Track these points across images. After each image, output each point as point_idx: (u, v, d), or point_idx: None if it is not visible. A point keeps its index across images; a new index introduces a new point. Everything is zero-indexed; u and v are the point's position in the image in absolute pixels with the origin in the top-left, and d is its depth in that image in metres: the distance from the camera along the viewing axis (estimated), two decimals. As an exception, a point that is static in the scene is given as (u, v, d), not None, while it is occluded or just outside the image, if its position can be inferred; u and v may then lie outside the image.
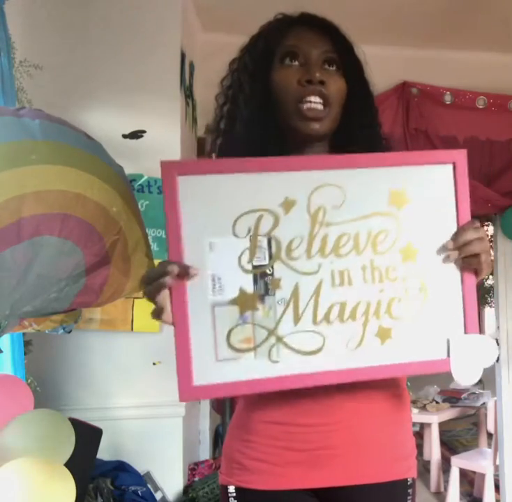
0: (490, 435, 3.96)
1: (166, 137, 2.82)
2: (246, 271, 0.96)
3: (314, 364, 0.98)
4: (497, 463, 3.56)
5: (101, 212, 1.38)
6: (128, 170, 1.74)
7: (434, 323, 1.02)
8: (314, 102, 1.09)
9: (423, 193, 1.01)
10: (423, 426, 4.59)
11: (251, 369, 0.96)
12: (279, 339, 0.97)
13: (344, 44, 1.15)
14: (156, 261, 1.72)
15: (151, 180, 2.77)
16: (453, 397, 4.63)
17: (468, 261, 1.00)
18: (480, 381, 6.05)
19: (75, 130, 1.48)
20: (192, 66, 3.20)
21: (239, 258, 0.96)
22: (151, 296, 0.95)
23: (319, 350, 0.98)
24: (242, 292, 0.96)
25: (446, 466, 4.07)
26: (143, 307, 2.74)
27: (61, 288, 1.38)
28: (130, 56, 2.79)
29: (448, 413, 4.39)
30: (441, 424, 4.31)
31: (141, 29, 2.80)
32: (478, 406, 4.51)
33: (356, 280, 0.99)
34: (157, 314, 0.95)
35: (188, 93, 3.12)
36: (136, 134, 2.81)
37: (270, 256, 0.97)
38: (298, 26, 1.15)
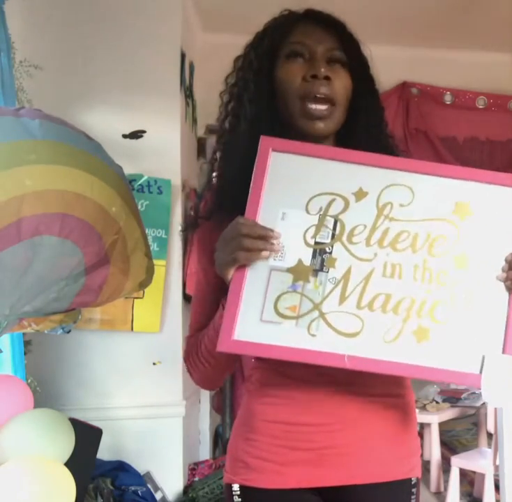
0: (490, 435, 3.95)
1: (166, 137, 2.83)
2: (308, 245, 1.02)
3: (348, 347, 1.00)
4: (497, 463, 3.56)
5: (100, 212, 1.38)
6: (128, 170, 1.74)
7: (473, 336, 1.02)
8: (319, 101, 1.08)
9: (486, 209, 1.04)
10: (423, 426, 4.59)
11: (289, 337, 1.00)
12: (321, 315, 1.01)
13: (350, 41, 1.13)
14: (156, 261, 1.72)
15: (151, 180, 2.77)
16: (453, 397, 4.62)
17: None
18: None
19: (75, 130, 1.48)
20: (192, 66, 3.20)
21: (305, 232, 1.02)
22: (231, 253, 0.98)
23: (356, 334, 1.01)
24: (299, 263, 1.02)
25: (446, 466, 4.07)
26: (143, 307, 2.74)
27: (60, 288, 1.38)
28: (130, 56, 2.79)
29: (448, 413, 4.38)
30: (441, 424, 4.30)
31: (142, 29, 2.80)
32: (478, 406, 4.50)
33: (406, 276, 1.02)
34: (223, 271, 1.00)
35: (188, 93, 3.13)
36: (136, 134, 2.81)
37: (333, 237, 1.03)
38: (304, 22, 1.13)
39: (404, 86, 3.46)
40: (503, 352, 1.02)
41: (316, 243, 1.02)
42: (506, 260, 1.02)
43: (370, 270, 1.02)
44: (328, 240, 1.03)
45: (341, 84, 1.10)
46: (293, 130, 1.11)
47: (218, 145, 1.20)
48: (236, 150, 1.12)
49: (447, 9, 3.15)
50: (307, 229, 1.02)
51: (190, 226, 1.26)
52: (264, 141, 1.03)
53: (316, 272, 1.02)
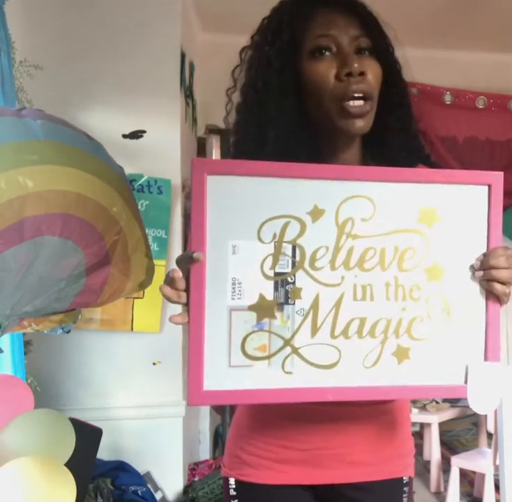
0: (490, 435, 3.95)
1: (166, 137, 2.83)
2: (268, 277, 0.94)
3: (328, 379, 0.95)
4: (497, 463, 3.56)
5: (101, 212, 1.38)
6: (128, 170, 1.75)
7: (454, 347, 0.99)
8: (357, 99, 0.99)
9: (454, 213, 0.98)
10: (423, 426, 4.59)
11: (263, 378, 0.94)
12: (294, 350, 0.95)
13: (374, 24, 1.06)
14: (156, 261, 1.72)
15: (150, 180, 2.77)
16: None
17: (491, 286, 0.96)
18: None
19: (76, 131, 1.48)
20: (192, 66, 3.20)
21: (262, 263, 0.93)
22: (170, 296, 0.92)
23: (334, 364, 0.96)
24: (261, 298, 0.94)
25: (446, 466, 4.06)
26: (143, 307, 2.74)
27: (61, 288, 1.38)
28: (130, 56, 2.79)
29: (448, 413, 4.38)
30: (441, 424, 4.30)
31: (141, 29, 2.80)
32: (478, 406, 4.50)
33: (379, 296, 0.96)
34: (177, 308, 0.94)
35: (188, 93, 3.12)
36: (136, 134, 2.81)
37: (294, 265, 0.94)
38: (323, 8, 1.03)
39: (404, 86, 3.46)
40: (486, 359, 0.99)
41: (276, 274, 0.93)
42: (478, 259, 0.97)
43: (340, 296, 0.95)
44: (289, 269, 0.94)
45: (373, 76, 1.01)
46: (325, 130, 1.04)
47: (234, 148, 1.09)
48: (258, 155, 1.00)
49: (447, 9, 3.15)
50: (264, 260, 0.93)
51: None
52: (196, 164, 0.91)
53: (281, 306, 0.94)
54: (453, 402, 4.59)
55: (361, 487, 1.11)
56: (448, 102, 3.53)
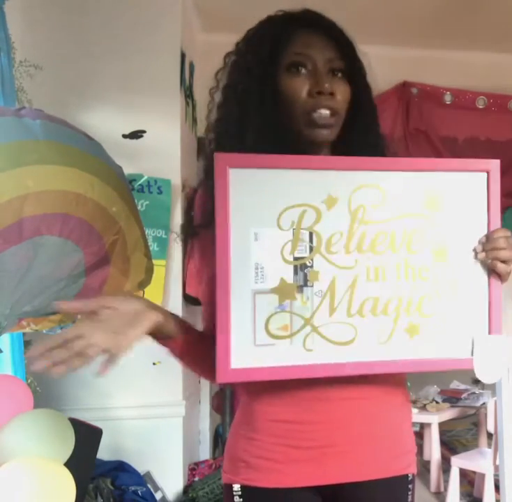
0: (490, 435, 3.95)
1: (166, 137, 2.83)
2: (287, 262, 1.01)
3: (346, 355, 1.02)
4: (497, 463, 3.56)
5: (101, 212, 1.38)
6: (128, 170, 1.75)
7: (460, 323, 1.06)
8: (324, 112, 1.09)
9: (456, 198, 1.06)
10: (423, 426, 4.59)
11: (286, 356, 1.00)
12: (314, 329, 1.01)
13: (349, 49, 1.15)
14: (156, 261, 1.72)
15: (150, 180, 2.77)
16: (453, 397, 4.62)
17: (493, 265, 1.04)
18: (480, 381, 6.04)
19: (76, 130, 1.48)
20: (192, 66, 3.20)
21: (282, 249, 1.00)
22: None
23: (351, 341, 1.02)
24: (282, 282, 1.00)
25: (446, 466, 4.07)
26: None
27: (60, 288, 1.38)
28: (130, 57, 2.79)
29: (448, 413, 4.38)
30: (441, 424, 4.30)
31: (141, 29, 2.80)
32: (478, 406, 4.50)
33: (390, 277, 1.04)
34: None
35: (188, 93, 3.13)
36: (136, 134, 2.81)
37: (311, 250, 1.01)
38: (304, 29, 1.13)
39: (404, 86, 3.46)
40: (490, 332, 1.07)
41: (295, 259, 1.01)
42: (480, 241, 1.05)
43: (354, 277, 1.03)
44: (307, 254, 1.01)
45: (343, 96, 1.12)
46: (297, 138, 1.11)
47: (214, 146, 1.15)
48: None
49: (447, 9, 3.15)
50: (284, 246, 1.00)
51: (189, 235, 1.23)
52: (219, 158, 0.99)
53: (301, 288, 1.01)
54: (453, 402, 4.59)
55: (368, 485, 1.11)
56: (448, 102, 3.53)
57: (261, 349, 1.00)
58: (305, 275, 1.01)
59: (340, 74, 1.12)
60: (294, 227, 1.01)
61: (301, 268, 1.01)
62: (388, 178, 1.04)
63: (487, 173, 1.06)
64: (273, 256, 1.00)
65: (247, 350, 0.99)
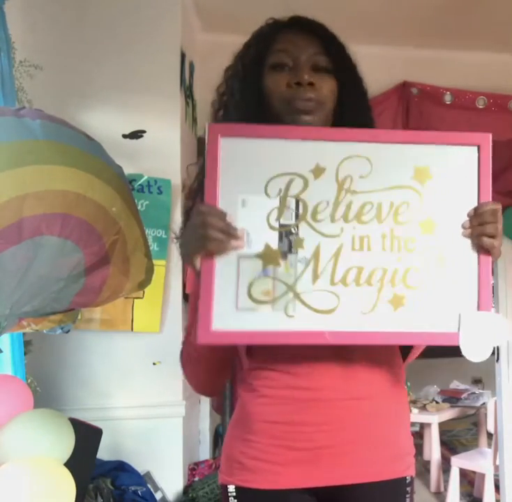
0: (490, 435, 3.95)
1: (166, 137, 2.82)
2: (273, 228, 1.02)
3: (327, 323, 1.01)
4: (497, 463, 3.56)
5: (101, 212, 1.38)
6: (128, 170, 1.75)
7: (447, 297, 1.04)
8: (305, 97, 1.10)
9: (446, 171, 1.05)
10: (423, 426, 4.59)
11: (267, 321, 1.01)
12: (296, 295, 1.01)
13: (334, 45, 1.15)
14: (155, 261, 1.72)
15: (151, 180, 2.77)
16: (453, 397, 4.63)
17: (480, 240, 1.02)
18: (480, 381, 6.04)
19: (76, 130, 1.48)
20: (192, 66, 3.20)
21: (268, 215, 1.02)
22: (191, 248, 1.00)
23: (333, 310, 1.02)
24: (267, 247, 1.02)
25: (446, 466, 4.07)
26: (143, 307, 2.74)
27: (60, 288, 1.38)
28: (130, 56, 2.79)
29: (448, 413, 4.39)
30: (441, 424, 4.30)
31: (141, 29, 2.80)
32: (478, 406, 4.51)
33: (375, 247, 1.03)
34: (189, 259, 1.01)
35: (188, 93, 3.12)
36: (136, 134, 2.81)
37: (297, 217, 1.02)
38: (288, 30, 1.15)
39: (404, 86, 3.45)
40: (479, 309, 1.04)
41: (281, 226, 1.02)
42: (468, 215, 1.03)
43: (339, 246, 1.03)
44: (293, 221, 1.02)
45: (326, 87, 1.12)
46: None
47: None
48: None
49: (447, 9, 3.15)
50: (270, 213, 1.02)
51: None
52: (212, 128, 1.01)
53: (285, 255, 1.02)
54: (453, 402, 4.59)
55: (365, 488, 1.10)
56: (448, 102, 3.52)
57: (242, 313, 1.01)
58: (290, 242, 1.02)
59: (324, 71, 1.13)
60: (281, 195, 1.02)
61: (286, 234, 1.02)
62: (376, 149, 1.03)
63: (478, 147, 1.05)
64: (259, 222, 1.01)
65: (229, 313, 1.00)
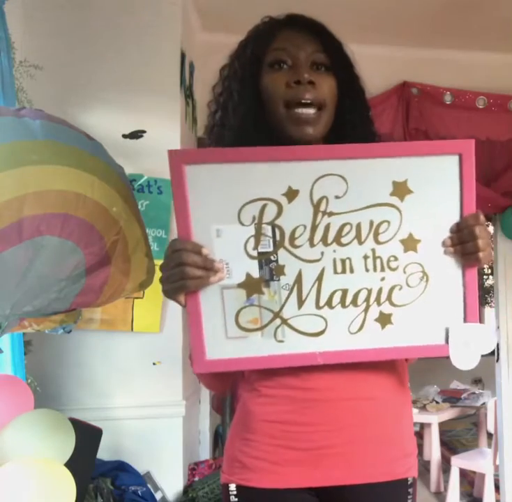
0: (490, 435, 3.96)
1: (166, 137, 2.82)
2: (252, 257, 1.00)
3: (317, 345, 1.02)
4: (497, 463, 3.56)
5: (101, 212, 1.38)
6: (128, 170, 1.74)
7: (434, 311, 1.04)
8: (306, 106, 1.07)
9: (426, 184, 1.00)
10: (423, 426, 4.59)
11: (259, 347, 1.02)
12: (284, 321, 1.02)
13: (332, 42, 1.14)
14: (156, 261, 1.72)
15: (150, 180, 2.77)
16: (453, 397, 4.63)
17: (467, 257, 1.01)
18: (480, 381, 6.04)
19: (76, 130, 1.48)
20: (192, 66, 3.19)
21: (245, 244, 0.99)
22: (171, 290, 1.00)
23: (322, 332, 1.02)
24: (248, 276, 1.00)
25: (446, 466, 4.07)
26: (143, 307, 2.74)
27: (61, 289, 1.38)
28: (130, 56, 2.79)
29: (448, 413, 4.39)
30: (441, 424, 4.31)
31: (141, 29, 2.80)
32: (478, 406, 4.51)
33: (358, 268, 1.02)
34: (172, 297, 1.00)
35: (188, 93, 3.12)
36: (136, 134, 2.81)
37: (275, 244, 1.00)
38: (286, 28, 1.14)
39: (404, 86, 3.45)
40: (465, 320, 1.04)
41: (259, 254, 1.00)
42: (451, 231, 1.01)
43: (321, 270, 1.01)
44: (271, 249, 1.00)
45: (326, 86, 1.10)
46: (282, 136, 1.10)
47: None
48: None
49: (447, 9, 3.15)
50: (247, 241, 0.99)
51: None
52: (173, 155, 0.96)
53: (267, 283, 1.01)
54: (452, 402, 4.59)
55: (366, 488, 1.09)
56: (448, 102, 3.52)
57: (233, 341, 1.01)
58: (271, 270, 1.01)
59: (323, 68, 1.11)
60: (256, 222, 0.99)
61: (266, 262, 1.00)
62: (351, 166, 0.98)
63: (460, 155, 0.99)
64: (237, 252, 0.99)
65: (221, 342, 1.01)
